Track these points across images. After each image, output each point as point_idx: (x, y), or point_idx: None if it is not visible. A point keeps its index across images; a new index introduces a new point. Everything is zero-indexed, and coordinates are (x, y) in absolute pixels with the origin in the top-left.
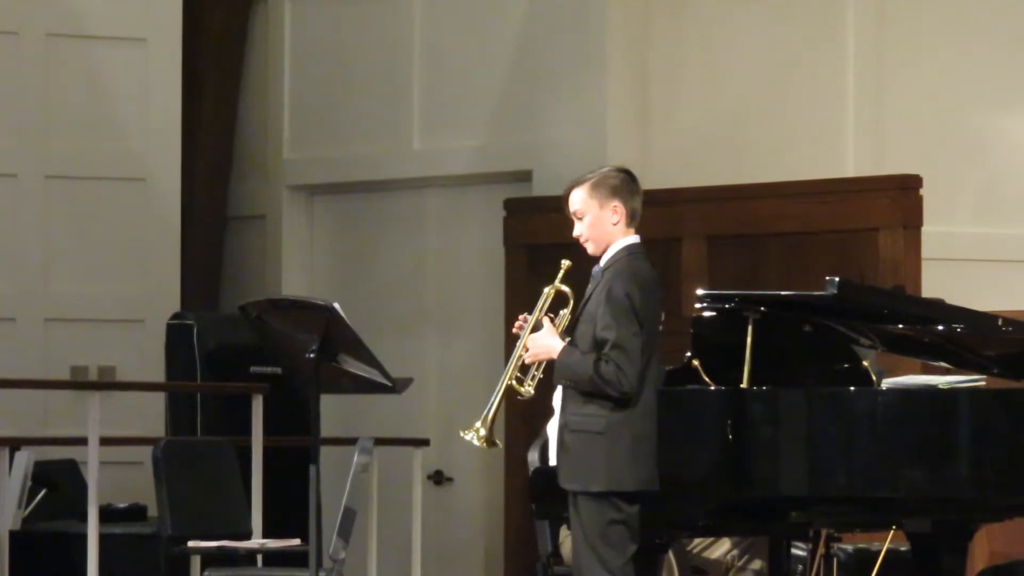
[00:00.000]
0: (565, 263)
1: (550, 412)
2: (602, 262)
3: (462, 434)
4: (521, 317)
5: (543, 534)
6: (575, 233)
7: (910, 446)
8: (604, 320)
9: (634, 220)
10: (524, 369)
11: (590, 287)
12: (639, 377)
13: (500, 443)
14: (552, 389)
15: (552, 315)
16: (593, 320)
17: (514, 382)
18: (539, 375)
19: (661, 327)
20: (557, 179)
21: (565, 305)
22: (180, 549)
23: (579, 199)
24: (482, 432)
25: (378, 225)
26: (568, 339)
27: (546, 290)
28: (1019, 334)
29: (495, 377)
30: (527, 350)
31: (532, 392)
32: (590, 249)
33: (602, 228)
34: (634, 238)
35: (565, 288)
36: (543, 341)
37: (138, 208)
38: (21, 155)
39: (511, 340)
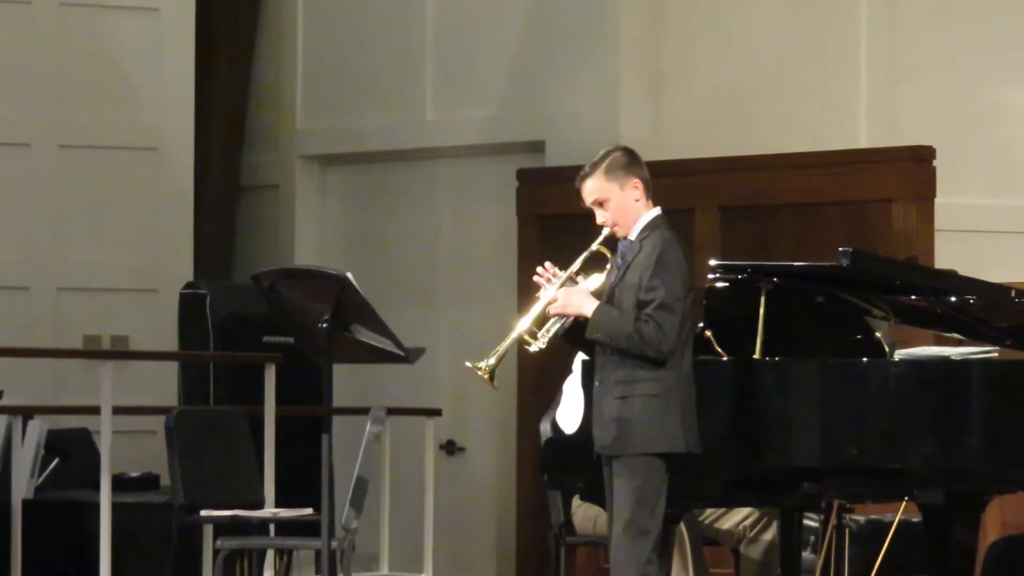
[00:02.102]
0: (608, 229)
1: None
2: (632, 235)
3: (468, 364)
4: (547, 266)
5: (555, 504)
6: (599, 221)
7: (922, 417)
8: (651, 283)
9: (649, 192)
10: (540, 322)
11: (620, 261)
12: (678, 339)
13: (496, 387)
14: (572, 353)
15: (584, 275)
16: (635, 287)
17: (526, 334)
18: (555, 332)
19: None
20: (570, 150)
21: (598, 268)
22: (192, 518)
23: (597, 187)
24: (491, 364)
25: (391, 195)
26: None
27: (591, 249)
28: None
29: None
30: (555, 302)
31: (543, 347)
32: (620, 233)
33: (627, 208)
34: (657, 210)
35: (605, 250)
36: (577, 298)
37: (151, 178)
38: (34, 125)
39: (524, 307)
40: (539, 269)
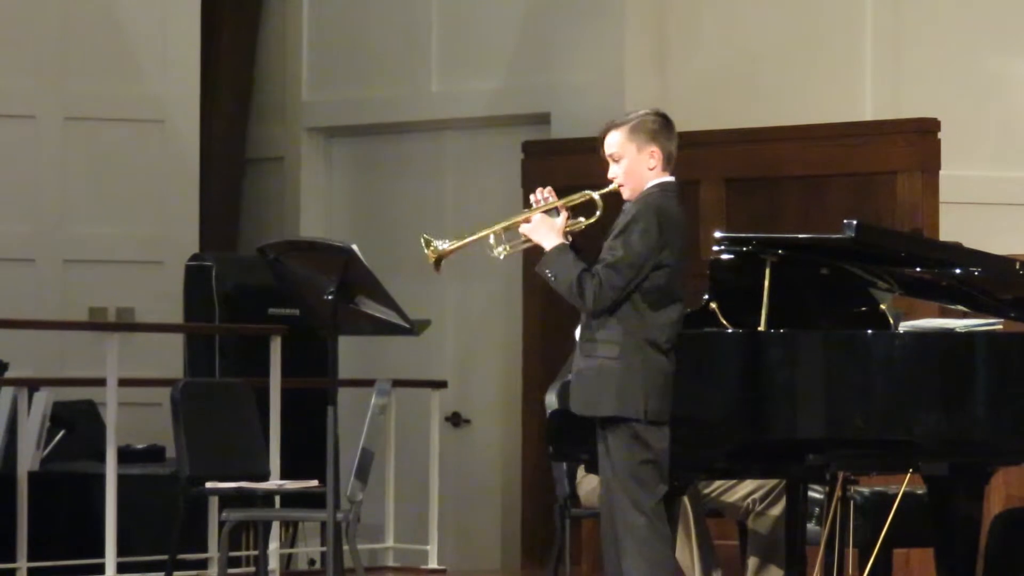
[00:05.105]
0: (615, 184)
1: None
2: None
3: (423, 237)
4: (547, 189)
5: (560, 476)
6: (610, 175)
7: (927, 389)
8: (612, 242)
9: (670, 164)
10: (512, 235)
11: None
12: (616, 302)
13: (439, 272)
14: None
15: (570, 213)
16: None
17: (493, 237)
18: (520, 248)
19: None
20: (575, 121)
21: (588, 216)
22: (198, 490)
23: (616, 141)
24: (444, 247)
25: (396, 167)
26: (571, 240)
27: (587, 192)
28: None
29: (513, 319)
30: (528, 222)
31: (501, 257)
32: (625, 194)
33: (639, 172)
34: (668, 178)
35: (599, 200)
36: (545, 229)
37: (157, 150)
38: (40, 97)
39: (529, 280)
40: (538, 189)
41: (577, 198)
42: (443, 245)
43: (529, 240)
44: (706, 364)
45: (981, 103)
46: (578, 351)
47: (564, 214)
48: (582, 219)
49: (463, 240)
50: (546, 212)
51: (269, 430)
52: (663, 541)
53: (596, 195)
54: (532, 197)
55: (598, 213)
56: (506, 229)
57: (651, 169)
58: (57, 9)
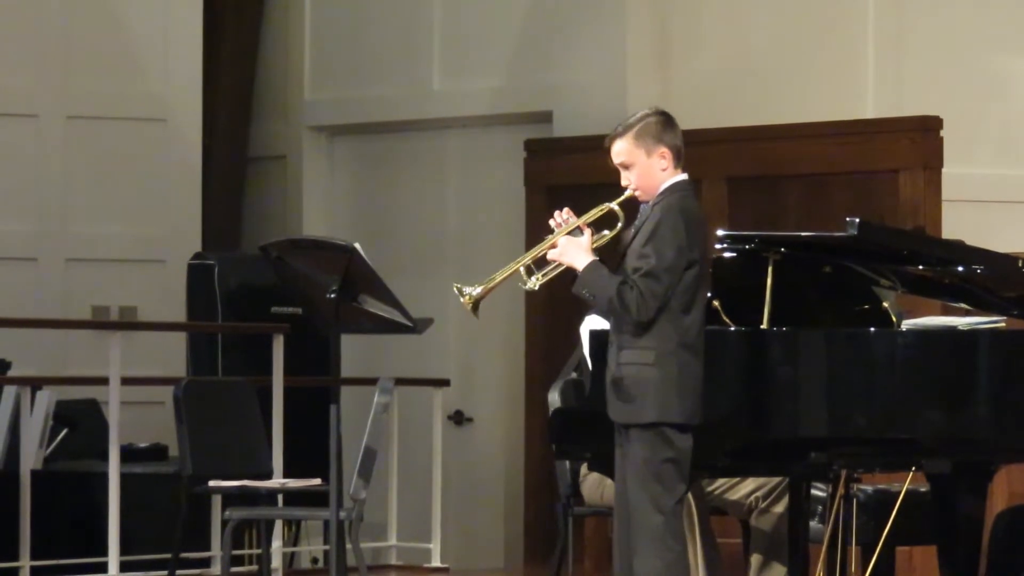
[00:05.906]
0: (631, 191)
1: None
2: (651, 200)
3: (455, 286)
4: (565, 211)
5: (563, 474)
6: (624, 183)
7: (930, 387)
8: (644, 250)
9: (680, 159)
10: (540, 264)
11: (637, 223)
12: (658, 309)
13: (477, 317)
14: (578, 320)
15: (593, 229)
16: (636, 253)
17: (523, 269)
18: (553, 274)
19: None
20: (578, 120)
21: (611, 228)
22: (201, 489)
23: (624, 150)
24: (475, 293)
25: (398, 166)
26: (598, 258)
27: (606, 205)
28: None
29: (515, 317)
30: (555, 247)
31: (535, 288)
32: (642, 197)
33: (652, 175)
34: (682, 176)
35: (619, 211)
36: (574, 250)
37: (159, 149)
38: (42, 96)
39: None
40: (556, 213)
41: (596, 213)
42: (475, 291)
43: (561, 264)
44: (709, 362)
45: (983, 101)
46: (611, 356)
47: (588, 231)
48: (606, 231)
49: (493, 280)
50: (569, 232)
51: (272, 428)
52: (679, 541)
53: (615, 206)
54: (552, 221)
55: (620, 224)
56: (534, 259)
57: (663, 170)
58: (59, 8)
